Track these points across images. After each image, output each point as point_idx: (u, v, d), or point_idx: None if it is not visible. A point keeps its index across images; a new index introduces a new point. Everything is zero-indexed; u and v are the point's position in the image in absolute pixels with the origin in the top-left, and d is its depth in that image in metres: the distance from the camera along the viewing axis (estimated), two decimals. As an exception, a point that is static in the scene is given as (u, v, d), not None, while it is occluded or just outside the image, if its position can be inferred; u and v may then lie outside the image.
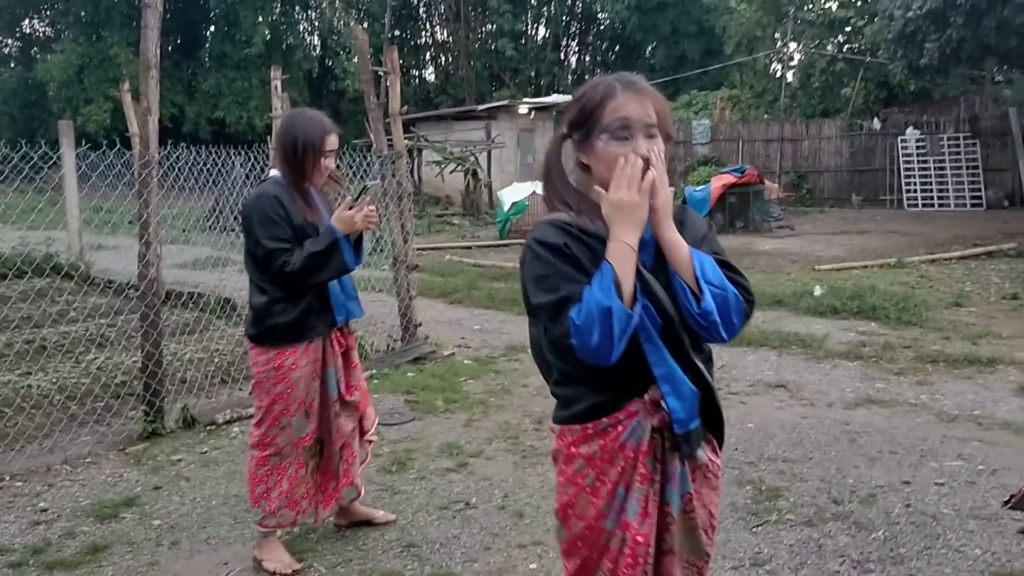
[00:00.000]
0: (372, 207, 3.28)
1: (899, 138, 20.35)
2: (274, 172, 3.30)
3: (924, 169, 19.86)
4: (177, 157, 7.46)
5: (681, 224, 1.85)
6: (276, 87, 7.54)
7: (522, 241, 10.54)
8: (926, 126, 20.44)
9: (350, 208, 3.22)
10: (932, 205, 19.49)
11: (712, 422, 1.91)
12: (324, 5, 36.42)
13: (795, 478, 4.19)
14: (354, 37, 7.17)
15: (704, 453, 1.89)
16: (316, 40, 38.15)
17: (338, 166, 3.44)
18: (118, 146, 6.65)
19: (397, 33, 38.61)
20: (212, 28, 35.16)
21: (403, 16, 38.62)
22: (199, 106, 32.90)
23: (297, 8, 36.44)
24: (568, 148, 1.91)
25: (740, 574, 3.27)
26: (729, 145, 23.41)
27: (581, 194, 1.88)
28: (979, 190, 19.13)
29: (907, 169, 20.07)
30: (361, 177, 7.38)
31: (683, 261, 1.76)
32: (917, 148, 20.00)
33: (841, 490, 4.03)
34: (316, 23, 37.24)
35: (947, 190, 19.49)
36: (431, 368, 6.44)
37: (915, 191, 19.90)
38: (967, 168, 19.37)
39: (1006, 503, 2.40)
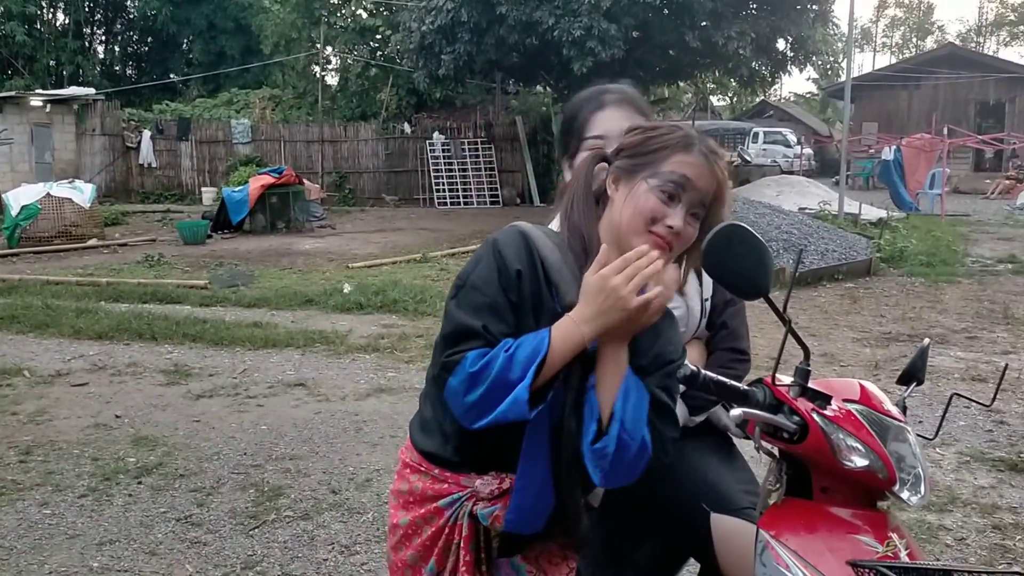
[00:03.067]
0: None
1: (428, 142, 22.02)
2: None
3: (450, 170, 21.75)
4: None
5: (657, 329, 1.50)
6: None
7: (35, 250, 9.37)
8: (450, 131, 22.41)
9: None
10: (458, 203, 21.44)
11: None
12: None
13: (299, 474, 4.29)
14: None
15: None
16: None
17: None
18: None
19: None
20: None
21: None
22: None
23: None
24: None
25: (231, 580, 3.26)
26: (271, 145, 23.32)
27: (593, 231, 1.54)
28: (496, 189, 21.51)
29: (435, 170, 21.81)
30: None
31: (610, 386, 1.43)
32: (443, 151, 21.82)
33: (341, 479, 4.22)
34: None
35: (470, 189, 21.59)
36: None
37: (443, 190, 21.70)
38: (485, 169, 21.67)
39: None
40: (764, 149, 31.30)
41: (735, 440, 2.09)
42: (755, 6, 16.54)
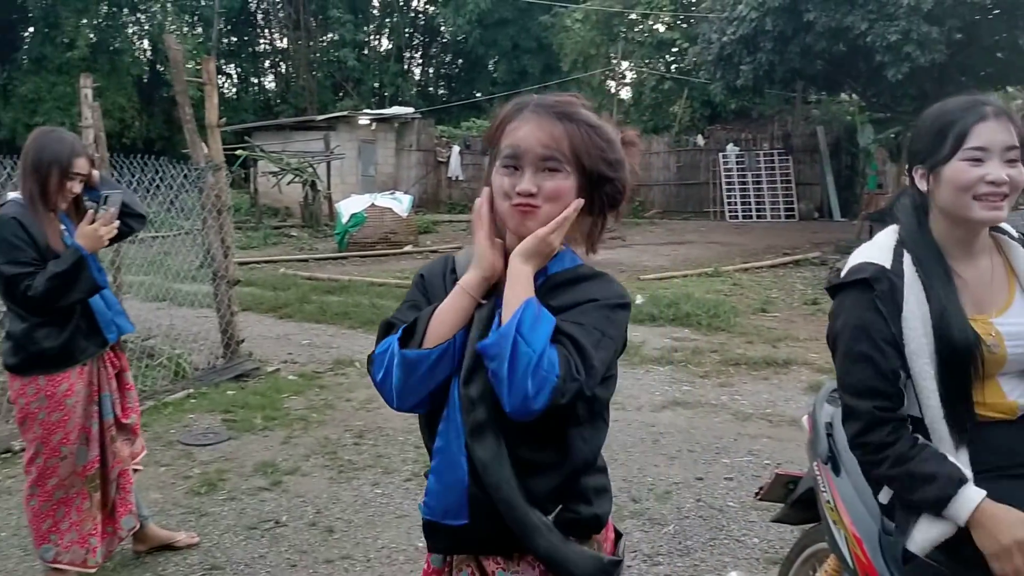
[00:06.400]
0: (113, 215, 3.08)
1: (720, 154, 21.61)
2: (13, 194, 3.09)
3: (743, 183, 21.17)
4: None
5: (573, 284, 1.52)
6: (86, 95, 7.15)
7: (360, 253, 10.43)
8: (744, 143, 21.83)
9: (92, 222, 3.03)
10: (750, 217, 20.80)
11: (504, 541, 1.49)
12: (155, 8, 34.81)
13: (600, 480, 4.40)
14: (167, 47, 6.95)
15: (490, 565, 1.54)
16: (146, 44, 36.40)
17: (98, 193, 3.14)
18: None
19: (233, 39, 37.43)
20: (31, 29, 32.89)
21: (240, 22, 37.49)
22: (15, 111, 30.68)
23: (125, 11, 34.62)
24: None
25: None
26: (566, 159, 24.09)
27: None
28: (792, 202, 20.60)
29: (728, 183, 21.33)
30: (178, 187, 7.13)
31: (513, 298, 1.42)
32: (737, 163, 21.31)
33: (640, 488, 4.27)
34: (146, 27, 35.53)
35: (763, 202, 20.87)
36: (253, 385, 6.32)
37: (735, 203, 21.17)
38: (781, 182, 20.83)
39: (756, 495, 2.65)
40: (1115, 159, 27.14)
41: None
42: (1113, -4, 14.40)
